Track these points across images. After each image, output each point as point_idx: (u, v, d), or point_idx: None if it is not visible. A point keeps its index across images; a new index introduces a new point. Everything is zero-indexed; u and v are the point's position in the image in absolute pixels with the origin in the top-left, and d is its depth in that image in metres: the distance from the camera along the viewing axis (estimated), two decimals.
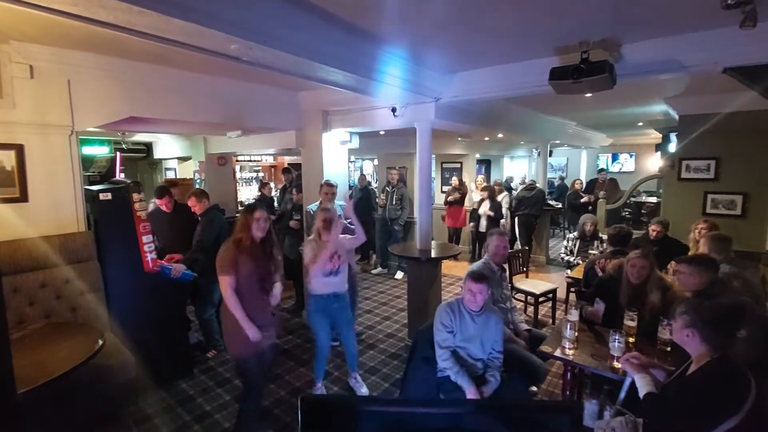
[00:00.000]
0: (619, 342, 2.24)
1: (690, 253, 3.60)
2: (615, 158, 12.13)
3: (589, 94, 3.81)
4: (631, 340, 2.45)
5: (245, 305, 2.35)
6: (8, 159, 2.66)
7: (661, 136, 7.86)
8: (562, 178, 11.42)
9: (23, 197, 2.71)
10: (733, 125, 4.29)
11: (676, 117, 4.91)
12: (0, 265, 2.35)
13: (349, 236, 3.25)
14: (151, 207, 3.92)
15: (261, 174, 9.59)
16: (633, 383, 1.95)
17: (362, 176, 7.53)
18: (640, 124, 7.59)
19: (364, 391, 3.35)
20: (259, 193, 6.54)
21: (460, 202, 7.18)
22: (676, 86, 4.19)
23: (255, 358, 2.40)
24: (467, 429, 0.79)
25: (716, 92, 4.24)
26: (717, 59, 2.41)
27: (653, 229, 4.13)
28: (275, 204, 6.71)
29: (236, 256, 2.32)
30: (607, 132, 9.41)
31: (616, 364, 2.22)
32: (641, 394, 1.83)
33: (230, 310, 2.35)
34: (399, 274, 6.48)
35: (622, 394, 2.05)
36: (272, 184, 8.75)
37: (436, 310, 2.60)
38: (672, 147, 5.71)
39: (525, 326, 3.13)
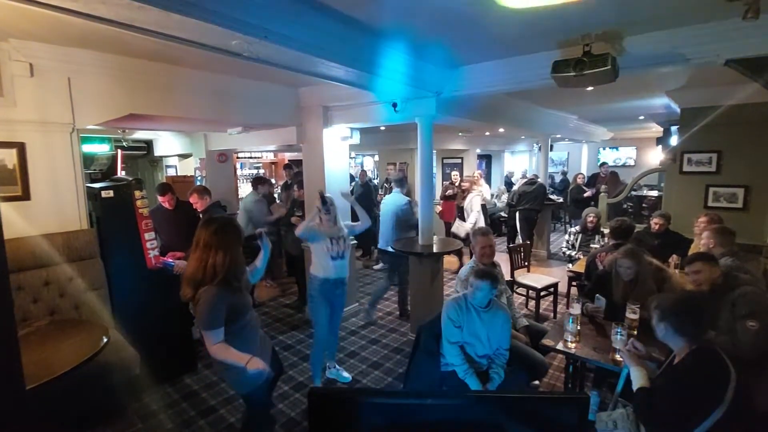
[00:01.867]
0: (621, 335, 2.26)
1: (693, 246, 3.61)
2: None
3: (590, 88, 3.81)
4: (633, 333, 2.46)
5: (248, 337, 1.99)
6: (10, 157, 2.66)
7: (662, 129, 7.86)
8: (564, 173, 11.39)
9: (25, 195, 2.71)
10: (735, 118, 4.27)
11: (678, 110, 4.89)
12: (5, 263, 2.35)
13: (352, 224, 3.37)
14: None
15: (262, 171, 9.59)
16: (629, 374, 1.97)
17: (363, 172, 7.52)
18: (641, 117, 7.56)
19: (345, 375, 3.43)
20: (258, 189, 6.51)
21: (455, 197, 7.21)
22: (678, 79, 4.17)
23: (264, 386, 2.12)
24: (474, 421, 0.80)
25: (718, 85, 4.22)
26: (719, 51, 2.39)
27: (656, 222, 4.13)
28: (277, 200, 6.71)
29: (226, 298, 1.85)
30: (608, 126, 9.38)
31: (619, 357, 2.23)
32: (634, 388, 1.84)
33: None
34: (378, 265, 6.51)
35: (620, 385, 2.06)
36: (272, 181, 8.75)
37: (444, 306, 2.60)
38: (673, 140, 5.71)
39: (524, 321, 3.13)
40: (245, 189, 8.72)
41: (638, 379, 1.84)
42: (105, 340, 2.20)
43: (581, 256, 4.68)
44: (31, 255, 2.68)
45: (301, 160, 4.99)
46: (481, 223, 5.84)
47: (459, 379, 2.40)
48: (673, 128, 6.19)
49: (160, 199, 3.97)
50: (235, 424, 2.85)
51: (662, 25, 2.43)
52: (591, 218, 4.85)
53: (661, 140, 8.08)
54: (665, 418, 1.63)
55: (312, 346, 3.28)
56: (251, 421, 2.32)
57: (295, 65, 2.49)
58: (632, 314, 2.51)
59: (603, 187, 6.62)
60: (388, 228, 4.60)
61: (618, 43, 2.55)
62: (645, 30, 2.49)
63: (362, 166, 11.72)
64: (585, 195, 7.62)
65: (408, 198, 4.68)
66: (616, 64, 2.44)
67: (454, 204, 7.15)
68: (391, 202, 4.69)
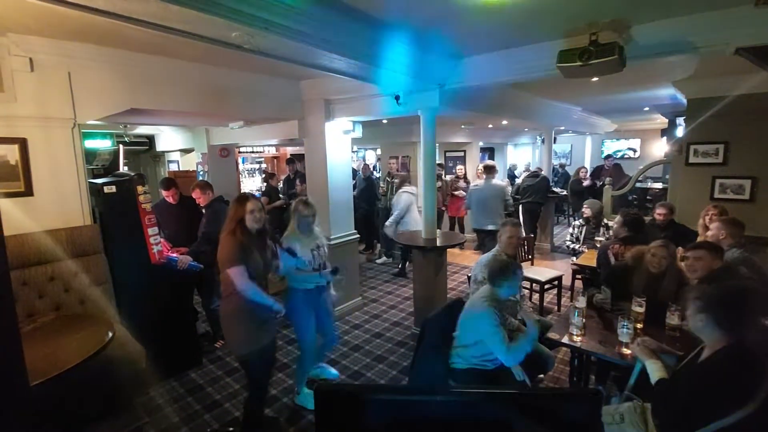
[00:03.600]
0: (627, 328, 2.24)
1: (699, 239, 3.57)
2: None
3: (595, 78, 3.75)
4: (639, 326, 2.45)
5: (247, 302, 2.31)
6: (12, 153, 2.64)
7: (667, 121, 7.77)
8: (562, 166, 11.27)
9: (28, 191, 2.71)
10: (742, 108, 4.20)
11: (684, 101, 4.82)
12: (8, 259, 2.35)
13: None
14: None
15: (264, 165, 9.57)
16: (643, 368, 1.94)
17: (366, 166, 7.49)
18: (647, 108, 7.47)
19: (333, 371, 3.37)
20: (266, 184, 6.52)
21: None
22: (685, 69, 4.10)
23: (259, 354, 2.38)
24: (483, 417, 0.79)
25: (726, 74, 4.14)
26: (730, 39, 2.33)
27: (659, 213, 4.09)
28: (279, 195, 6.70)
29: (241, 247, 2.26)
30: (612, 117, 9.28)
31: (625, 350, 2.22)
32: (653, 380, 1.80)
33: (233, 307, 2.33)
34: (382, 259, 6.49)
35: (632, 380, 2.04)
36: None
37: (482, 315, 2.34)
38: (679, 131, 5.64)
39: (535, 317, 3.11)
40: (247, 184, 8.72)
41: (656, 371, 1.80)
42: (110, 335, 2.19)
43: (585, 249, 4.65)
44: (35, 251, 2.68)
45: (303, 154, 4.96)
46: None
47: (467, 377, 2.39)
48: (679, 119, 6.11)
49: (164, 193, 3.96)
50: (239, 417, 2.86)
51: (671, 13, 2.37)
52: (585, 208, 4.82)
53: (667, 132, 7.99)
54: (685, 410, 1.59)
55: (300, 360, 3.06)
56: (251, 396, 2.49)
57: (297, 57, 2.46)
58: (638, 307, 2.50)
59: (608, 179, 6.56)
60: (489, 210, 5.42)
61: (625, 32, 2.50)
62: (653, 18, 2.43)
63: (364, 160, 11.68)
64: (585, 184, 7.56)
65: (504, 183, 5.69)
66: (624, 53, 2.40)
67: (460, 199, 7.17)
68: (490, 187, 5.48)
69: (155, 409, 2.97)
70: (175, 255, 3.39)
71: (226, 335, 2.41)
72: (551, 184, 7.72)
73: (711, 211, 3.56)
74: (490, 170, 5.58)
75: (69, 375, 1.85)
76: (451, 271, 6.06)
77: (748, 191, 4.38)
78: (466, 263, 6.54)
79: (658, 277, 2.69)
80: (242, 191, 7.45)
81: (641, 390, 1.98)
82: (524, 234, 6.25)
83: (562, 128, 8.08)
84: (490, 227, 5.30)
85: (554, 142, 8.40)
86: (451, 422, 0.81)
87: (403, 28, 2.61)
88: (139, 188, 3.18)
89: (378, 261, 6.76)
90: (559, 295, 4.67)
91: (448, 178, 7.71)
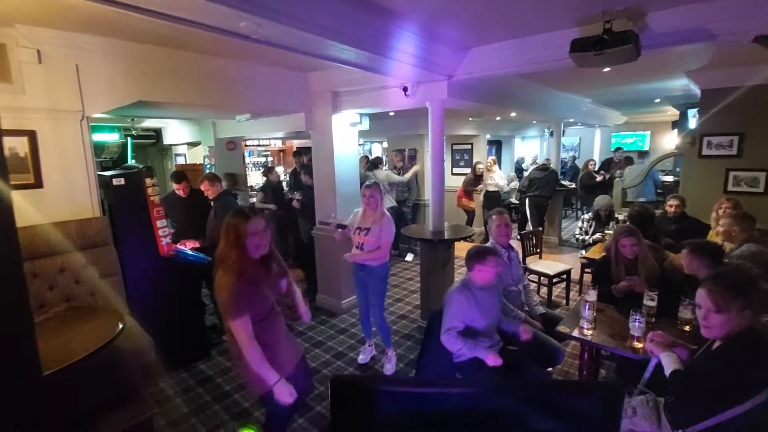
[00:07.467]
0: (639, 322, 2.21)
1: (712, 233, 3.52)
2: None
3: (607, 69, 3.68)
4: (652, 320, 2.42)
5: (266, 347, 1.80)
6: (21, 145, 2.65)
7: (678, 112, 7.62)
8: (573, 158, 11.14)
9: (38, 183, 2.71)
10: (758, 99, 4.11)
11: (698, 92, 4.72)
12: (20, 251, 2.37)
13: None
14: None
15: (270, 158, 9.58)
16: (657, 364, 1.92)
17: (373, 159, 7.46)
18: (657, 100, 7.34)
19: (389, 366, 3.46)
20: (265, 179, 6.47)
21: (476, 184, 7.28)
22: (700, 59, 4.01)
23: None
24: (497, 409, 0.77)
25: (741, 64, 4.05)
26: (749, 26, 2.27)
27: (671, 204, 4.04)
28: (285, 188, 6.69)
29: (243, 287, 1.73)
30: (622, 109, 9.13)
31: (636, 344, 2.19)
32: (668, 372, 1.79)
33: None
34: (409, 257, 6.48)
35: (647, 375, 2.02)
36: (281, 168, 8.72)
37: (449, 298, 2.50)
38: (692, 123, 5.53)
39: (541, 309, 3.09)
40: (254, 177, 8.73)
41: (671, 363, 1.79)
42: (120, 326, 2.21)
43: (599, 235, 4.60)
44: (45, 242, 2.69)
45: (310, 147, 4.94)
46: None
47: (474, 368, 2.37)
48: (690, 111, 5.99)
49: (175, 186, 3.99)
50: (248, 408, 2.88)
51: None
52: (603, 213, 4.77)
53: (678, 124, 7.84)
54: (706, 399, 1.59)
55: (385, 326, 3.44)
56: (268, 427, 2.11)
57: (305, 48, 2.43)
58: (650, 301, 2.46)
59: (618, 172, 6.47)
60: (636, 187, 6.91)
61: (640, 20, 2.43)
62: (670, 5, 2.36)
63: (370, 152, 11.63)
64: (597, 180, 7.49)
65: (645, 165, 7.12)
66: (639, 42, 2.34)
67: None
68: (636, 169, 6.97)
69: (165, 400, 3.01)
70: (182, 247, 3.40)
71: (246, 378, 1.91)
72: (560, 177, 7.66)
73: (724, 204, 3.49)
74: (628, 161, 7.55)
75: (80, 365, 1.87)
76: (458, 264, 6.03)
77: (762, 184, 4.30)
78: None
79: (632, 262, 2.76)
80: (250, 184, 7.45)
81: (654, 385, 1.95)
82: (532, 228, 6.20)
83: (571, 120, 7.96)
84: (641, 200, 6.59)
85: (563, 135, 8.29)
86: (468, 413, 0.79)
87: (412, 17, 2.57)
88: (148, 181, 3.18)
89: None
90: (567, 289, 4.64)
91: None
